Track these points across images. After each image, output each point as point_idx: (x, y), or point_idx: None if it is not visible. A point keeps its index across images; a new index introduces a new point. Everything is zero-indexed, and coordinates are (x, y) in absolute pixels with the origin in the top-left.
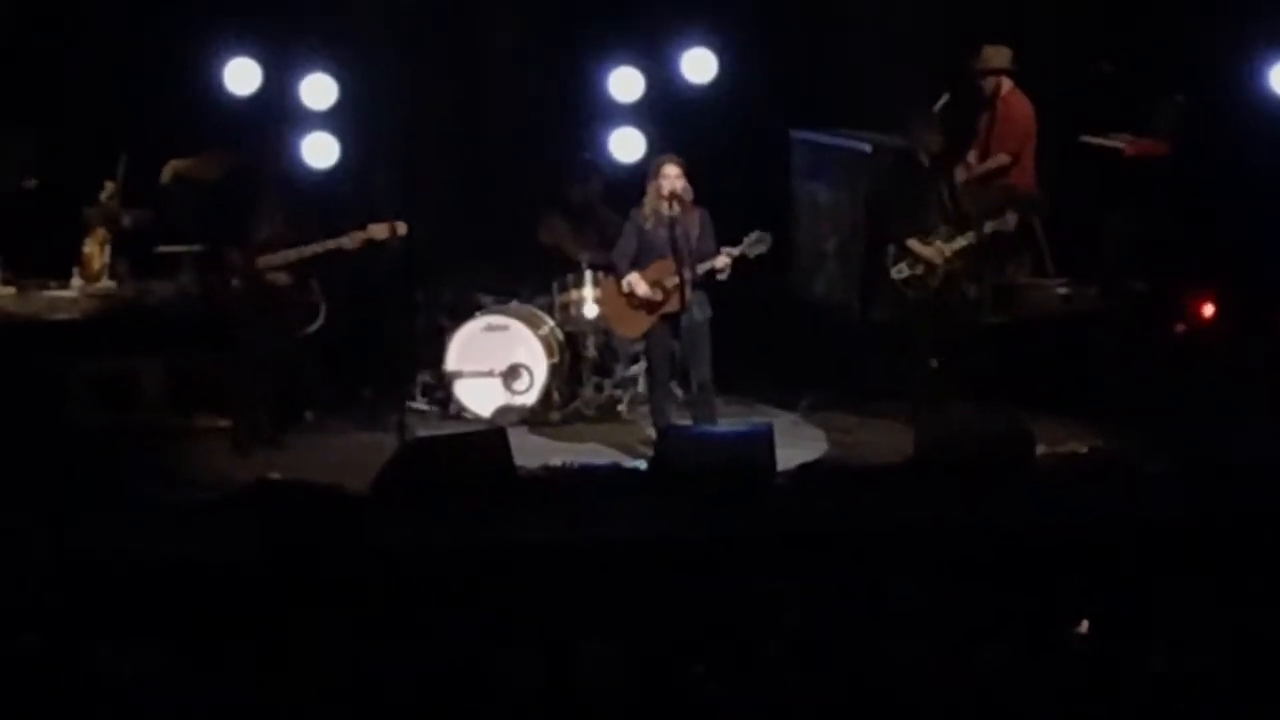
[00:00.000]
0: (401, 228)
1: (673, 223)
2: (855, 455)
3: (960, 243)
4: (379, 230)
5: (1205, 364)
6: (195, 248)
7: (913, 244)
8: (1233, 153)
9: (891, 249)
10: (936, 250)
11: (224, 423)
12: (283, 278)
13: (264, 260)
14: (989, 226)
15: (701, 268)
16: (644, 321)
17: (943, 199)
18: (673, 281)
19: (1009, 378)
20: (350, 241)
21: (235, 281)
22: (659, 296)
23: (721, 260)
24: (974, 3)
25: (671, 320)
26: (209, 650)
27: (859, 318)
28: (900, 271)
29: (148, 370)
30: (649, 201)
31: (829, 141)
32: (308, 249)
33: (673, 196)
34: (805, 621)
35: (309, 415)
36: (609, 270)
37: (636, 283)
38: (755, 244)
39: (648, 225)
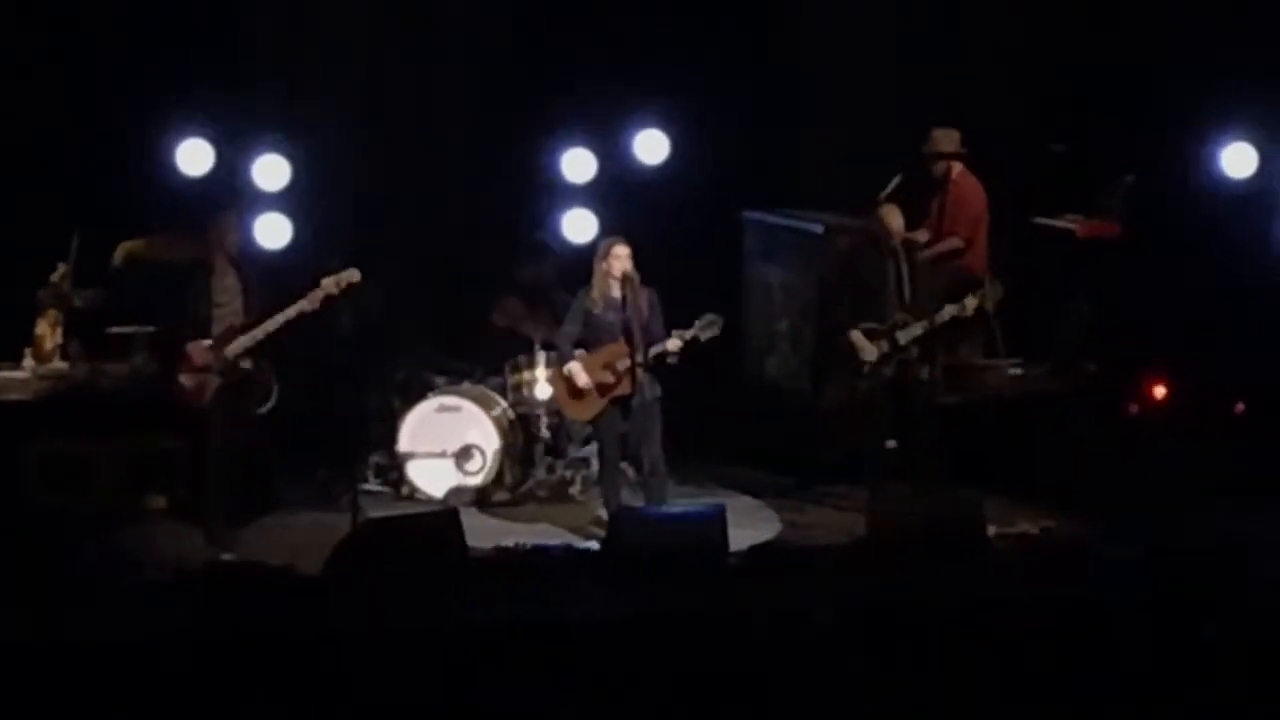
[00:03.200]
0: (355, 275)
1: (623, 304)
2: (807, 536)
3: (915, 330)
4: (333, 282)
5: (1157, 445)
6: (148, 329)
7: (855, 337)
8: (1184, 234)
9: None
10: (872, 347)
11: (159, 505)
12: (251, 363)
13: (231, 349)
14: (948, 312)
15: (653, 351)
16: (595, 404)
17: (901, 284)
18: (624, 364)
19: (961, 458)
20: (309, 303)
21: (211, 378)
22: (610, 379)
23: (673, 343)
24: (926, 84)
25: (623, 402)
26: None
27: (811, 399)
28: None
29: (100, 452)
30: (597, 284)
31: (781, 222)
32: (271, 324)
33: (625, 278)
34: (758, 702)
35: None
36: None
37: (577, 373)
38: (707, 327)
39: (597, 309)
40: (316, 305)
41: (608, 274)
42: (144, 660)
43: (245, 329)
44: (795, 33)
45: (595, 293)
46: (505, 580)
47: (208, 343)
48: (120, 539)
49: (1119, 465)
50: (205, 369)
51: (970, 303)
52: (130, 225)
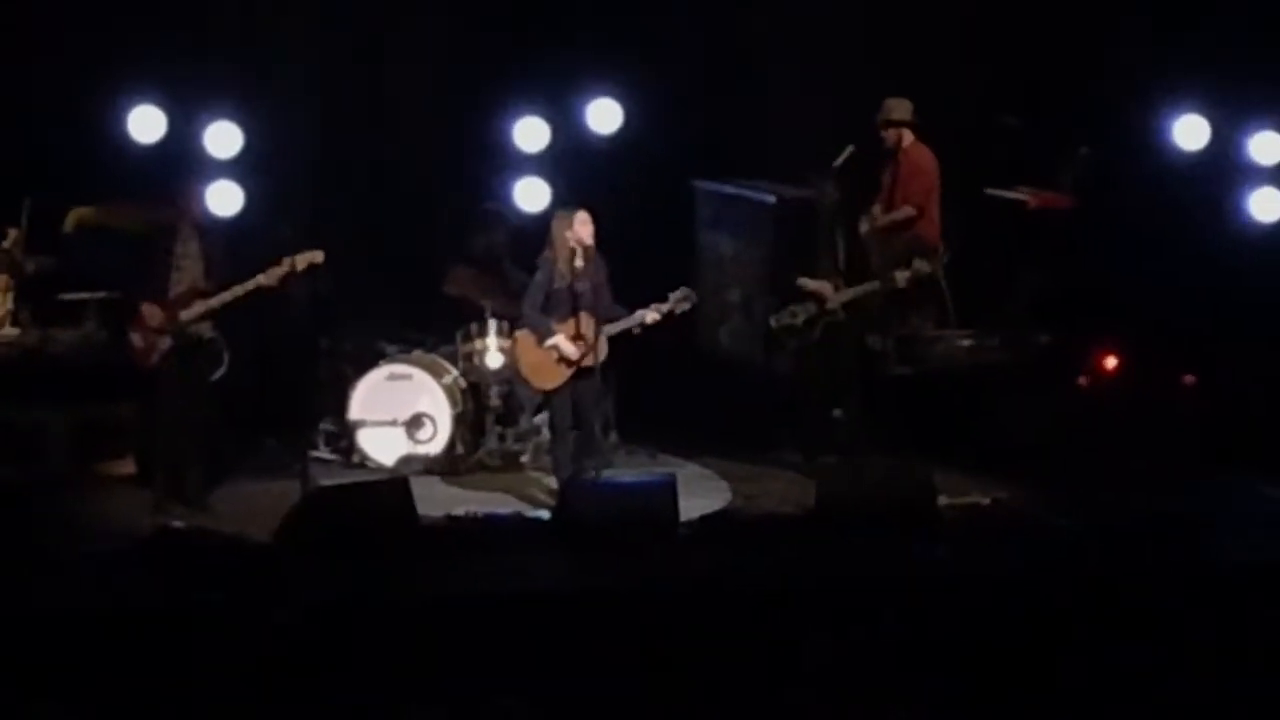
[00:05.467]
0: (319, 256)
1: (583, 274)
2: (757, 506)
3: (851, 293)
4: (298, 261)
5: (1107, 416)
6: (99, 295)
7: (803, 281)
8: (1136, 206)
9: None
10: (829, 285)
11: (126, 470)
12: (207, 329)
13: (186, 314)
14: (902, 277)
15: (628, 323)
16: (562, 374)
17: (836, 252)
18: (592, 335)
19: (912, 429)
20: (268, 278)
21: (162, 340)
22: (584, 350)
23: (651, 316)
24: (878, 55)
25: (585, 372)
26: (112, 701)
27: (762, 369)
28: (779, 319)
29: (51, 419)
30: (562, 254)
31: (733, 192)
32: (228, 294)
33: (583, 246)
34: (708, 673)
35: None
36: (513, 320)
37: (564, 344)
38: (682, 300)
39: (563, 279)
40: (275, 281)
41: (575, 242)
42: (93, 628)
43: (204, 295)
44: (749, 3)
45: (561, 263)
46: (455, 549)
47: (162, 304)
48: (70, 506)
49: (1070, 437)
50: (157, 330)
51: (901, 275)
52: (82, 191)
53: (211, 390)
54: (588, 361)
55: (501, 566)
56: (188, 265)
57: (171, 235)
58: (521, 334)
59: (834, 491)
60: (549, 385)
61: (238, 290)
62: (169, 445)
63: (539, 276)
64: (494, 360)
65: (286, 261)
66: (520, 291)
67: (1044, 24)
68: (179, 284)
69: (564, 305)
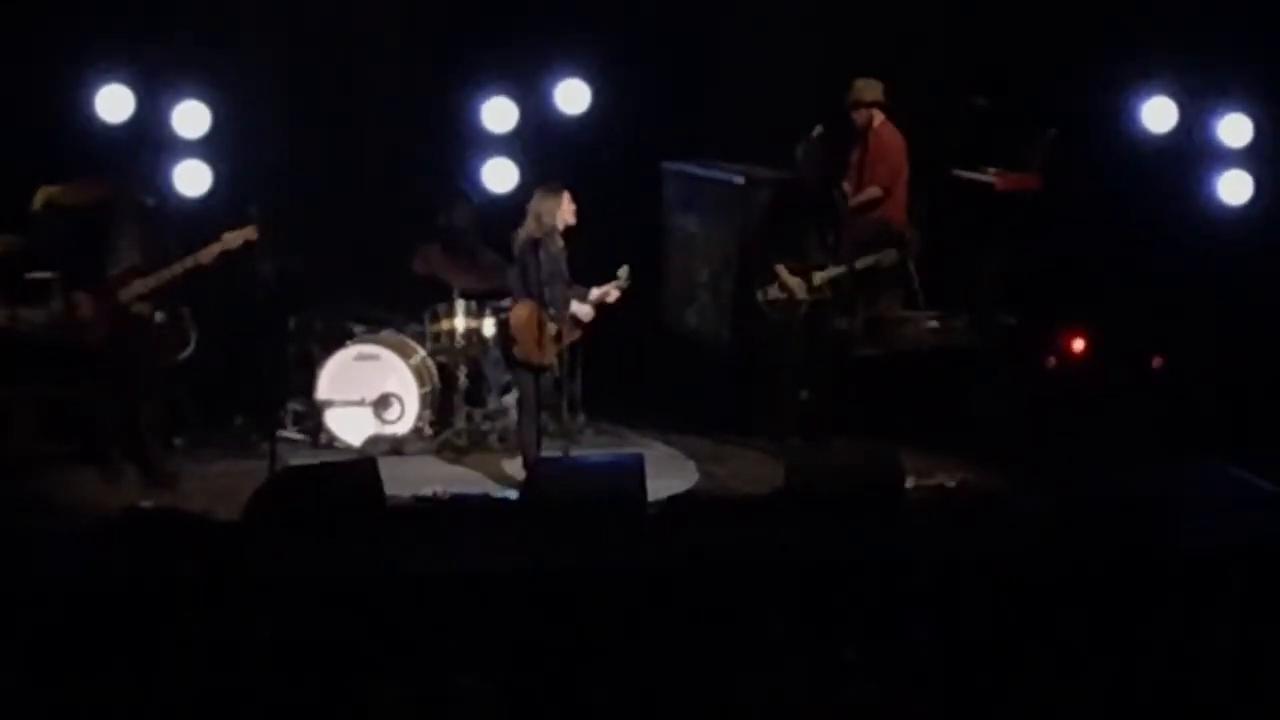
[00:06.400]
0: (253, 233)
1: (562, 252)
2: (725, 487)
3: (831, 272)
4: (233, 239)
5: (1075, 398)
6: (67, 274)
7: (780, 270)
8: (1104, 188)
9: (761, 274)
10: (800, 282)
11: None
12: (148, 308)
13: (124, 293)
14: (862, 262)
15: (592, 297)
16: (555, 349)
17: (824, 230)
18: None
19: (879, 410)
20: (206, 256)
21: (98, 318)
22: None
23: (613, 294)
24: (847, 36)
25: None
26: (77, 679)
27: (730, 349)
28: (766, 293)
29: (17, 398)
30: (555, 232)
31: (701, 173)
32: (166, 273)
33: (568, 226)
34: (675, 652)
35: (178, 442)
36: (480, 299)
37: (586, 312)
38: (627, 278)
39: (561, 257)
40: (212, 259)
41: (566, 219)
42: (60, 606)
43: (142, 275)
44: None
45: (560, 239)
46: (423, 529)
47: (102, 285)
48: (36, 485)
49: (1037, 418)
50: (97, 311)
51: (887, 255)
52: (50, 170)
53: (169, 369)
54: (576, 337)
55: (469, 546)
56: (124, 245)
57: (112, 215)
58: (520, 309)
59: (801, 472)
60: (547, 358)
61: (176, 269)
62: (121, 426)
63: (545, 253)
64: (461, 340)
65: (226, 238)
66: (490, 271)
67: (1012, 5)
68: (116, 265)
69: (555, 280)
